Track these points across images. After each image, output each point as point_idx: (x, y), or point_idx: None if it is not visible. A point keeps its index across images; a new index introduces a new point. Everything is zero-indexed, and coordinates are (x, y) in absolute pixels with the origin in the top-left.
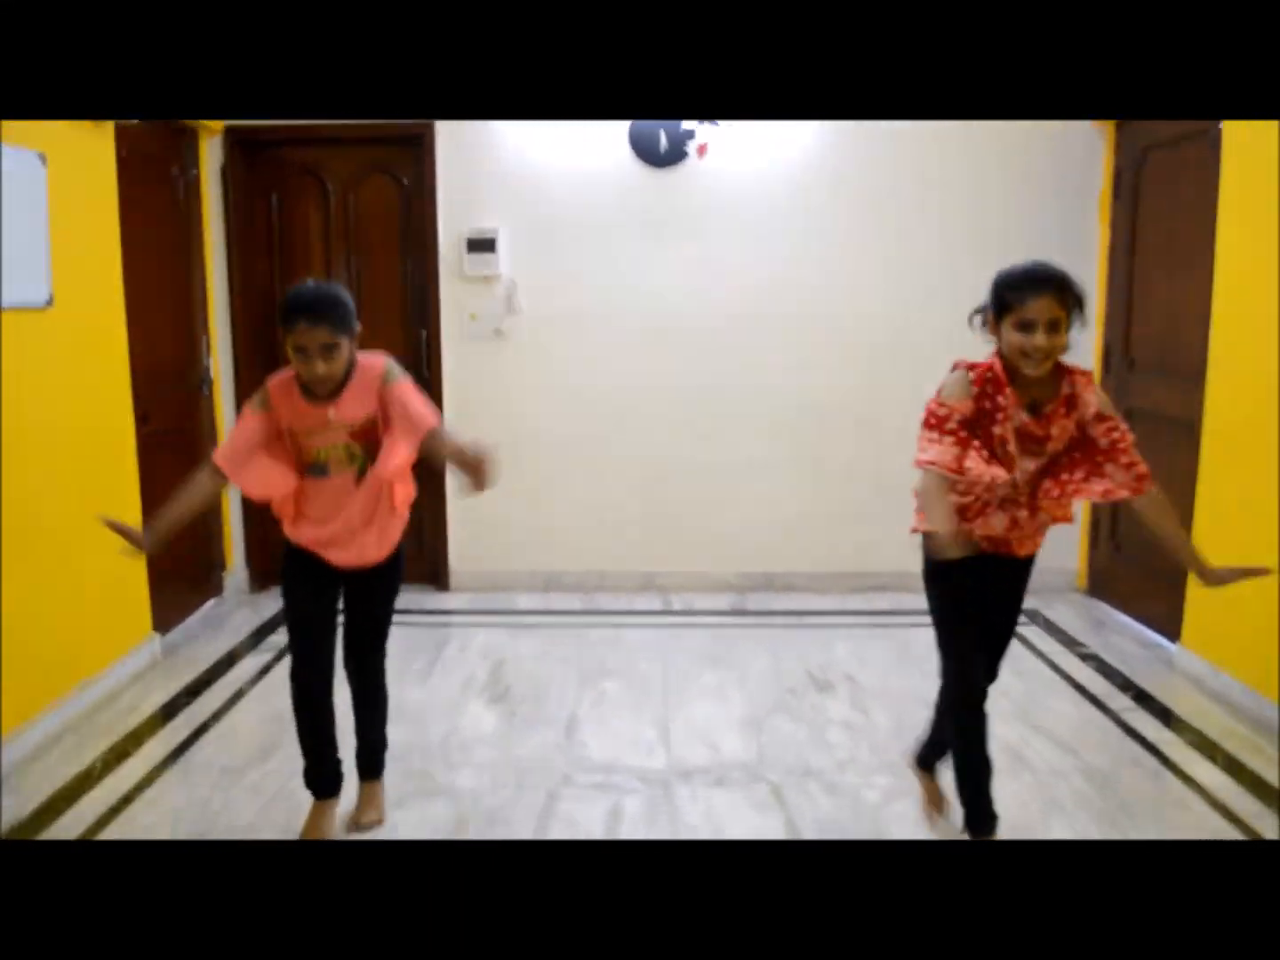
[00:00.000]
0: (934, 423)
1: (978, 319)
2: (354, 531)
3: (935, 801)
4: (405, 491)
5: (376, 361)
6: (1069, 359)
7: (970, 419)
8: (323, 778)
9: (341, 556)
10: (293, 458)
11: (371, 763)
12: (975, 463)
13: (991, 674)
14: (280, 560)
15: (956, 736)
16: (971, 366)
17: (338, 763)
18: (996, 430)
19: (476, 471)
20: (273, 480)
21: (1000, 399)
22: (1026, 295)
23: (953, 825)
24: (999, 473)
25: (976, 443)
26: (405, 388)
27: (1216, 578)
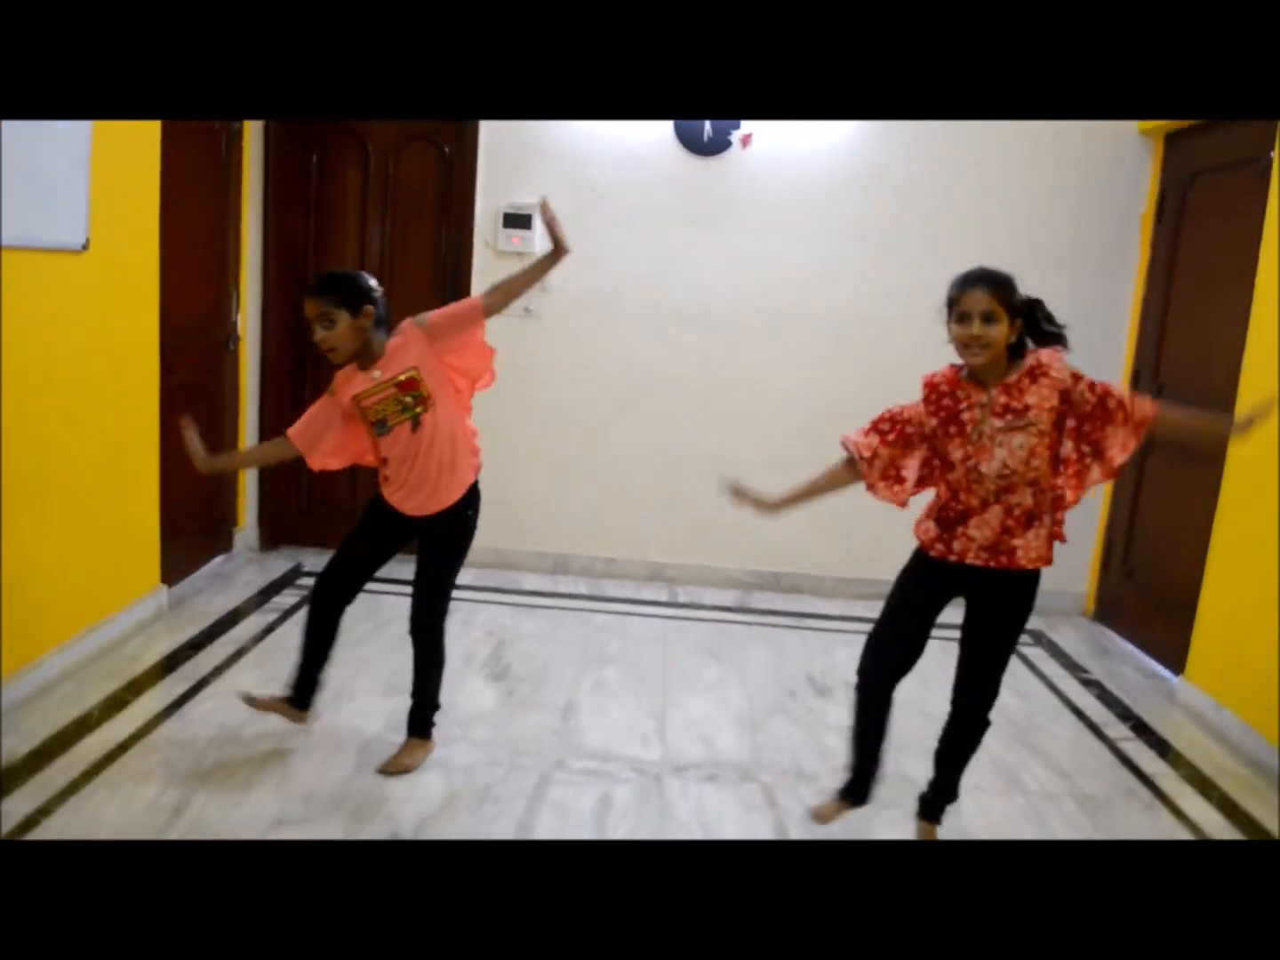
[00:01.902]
0: (875, 418)
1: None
2: (423, 475)
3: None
4: (470, 439)
5: (408, 320)
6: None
7: (930, 428)
8: (298, 686)
9: (411, 502)
10: (365, 428)
11: (417, 720)
12: (910, 473)
13: (987, 689)
14: (295, 522)
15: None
16: (928, 377)
17: (314, 683)
18: (965, 416)
19: (557, 243)
20: (348, 448)
21: (958, 393)
22: (963, 290)
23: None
24: (896, 496)
25: (924, 453)
26: (436, 312)
27: (1243, 429)
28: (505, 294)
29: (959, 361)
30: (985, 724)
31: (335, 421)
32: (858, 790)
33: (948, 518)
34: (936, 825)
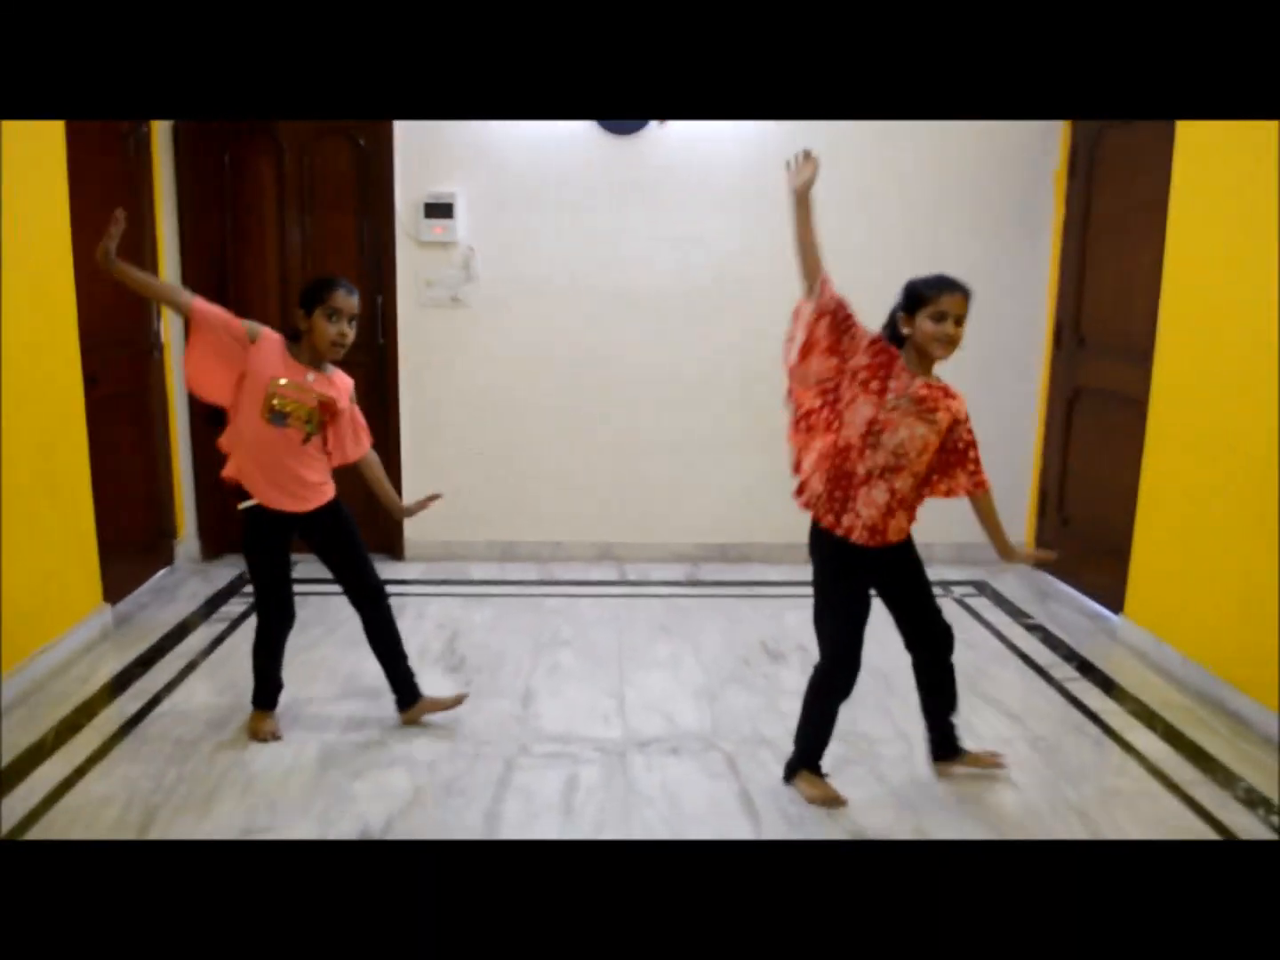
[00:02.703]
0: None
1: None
2: (295, 480)
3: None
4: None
5: (349, 380)
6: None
7: (857, 366)
8: (267, 694)
9: (287, 503)
10: (255, 404)
11: (409, 690)
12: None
13: (936, 619)
14: (237, 530)
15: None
16: (881, 338)
17: (279, 683)
18: (891, 384)
19: (393, 512)
20: (207, 365)
21: (895, 364)
22: (942, 292)
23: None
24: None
25: (826, 393)
26: (358, 412)
27: (1014, 555)
28: (371, 470)
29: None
30: (950, 633)
31: (226, 341)
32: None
33: (831, 473)
34: (960, 758)
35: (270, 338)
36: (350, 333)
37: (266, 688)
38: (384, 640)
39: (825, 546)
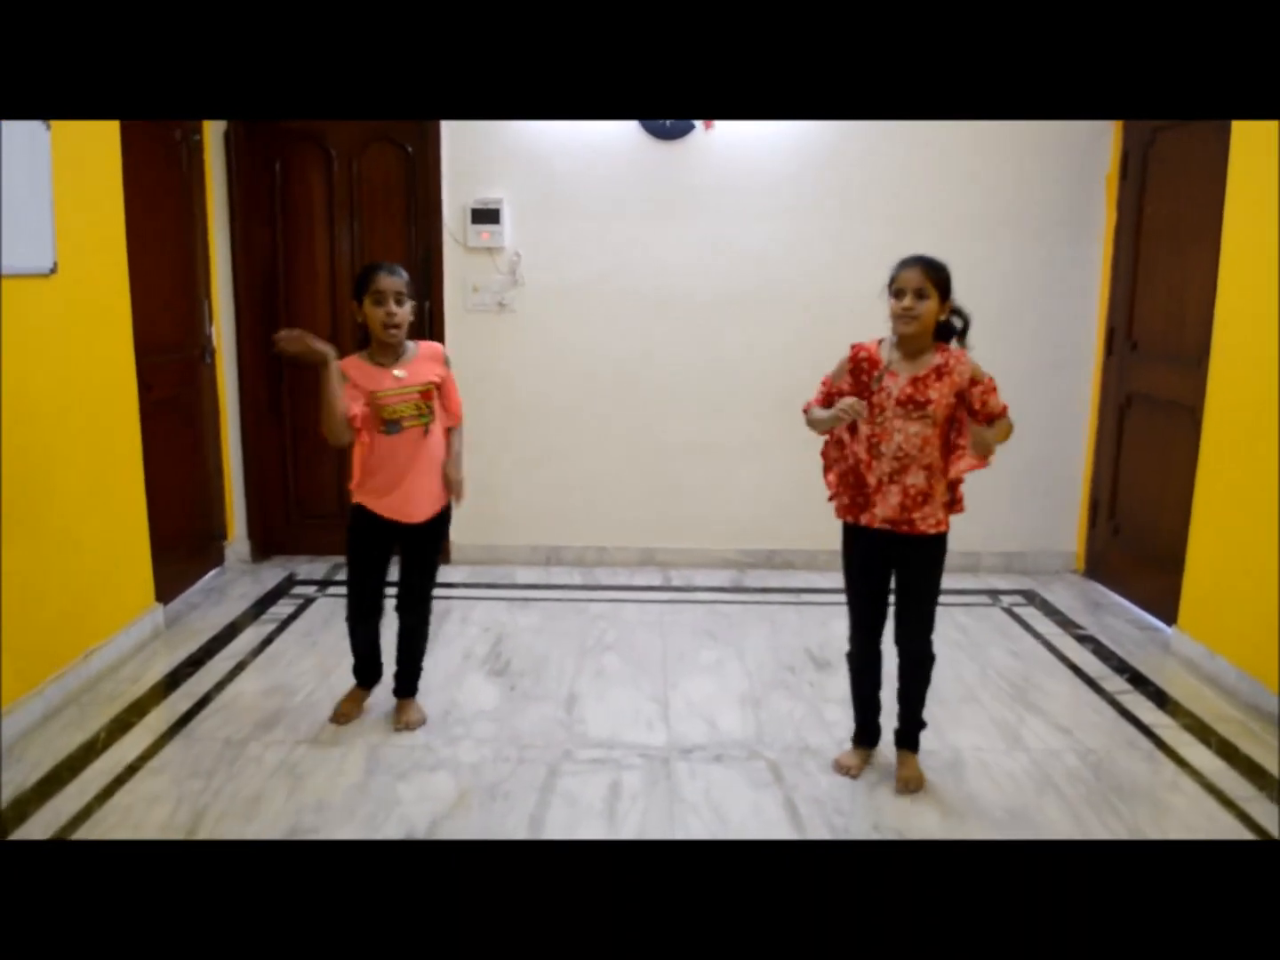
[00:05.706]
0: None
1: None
2: (419, 482)
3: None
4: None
5: (438, 345)
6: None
7: (853, 394)
8: (365, 671)
9: (408, 509)
10: (372, 424)
11: (406, 686)
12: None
13: (914, 637)
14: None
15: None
16: (856, 347)
17: (379, 664)
18: (875, 399)
19: (449, 488)
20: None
21: (875, 372)
22: (899, 269)
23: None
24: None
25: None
26: (453, 378)
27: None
28: (452, 444)
29: (891, 336)
30: (931, 657)
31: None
32: (868, 734)
33: (851, 482)
34: (906, 760)
35: (348, 363)
36: (399, 311)
37: (361, 665)
38: (407, 639)
39: (847, 537)
